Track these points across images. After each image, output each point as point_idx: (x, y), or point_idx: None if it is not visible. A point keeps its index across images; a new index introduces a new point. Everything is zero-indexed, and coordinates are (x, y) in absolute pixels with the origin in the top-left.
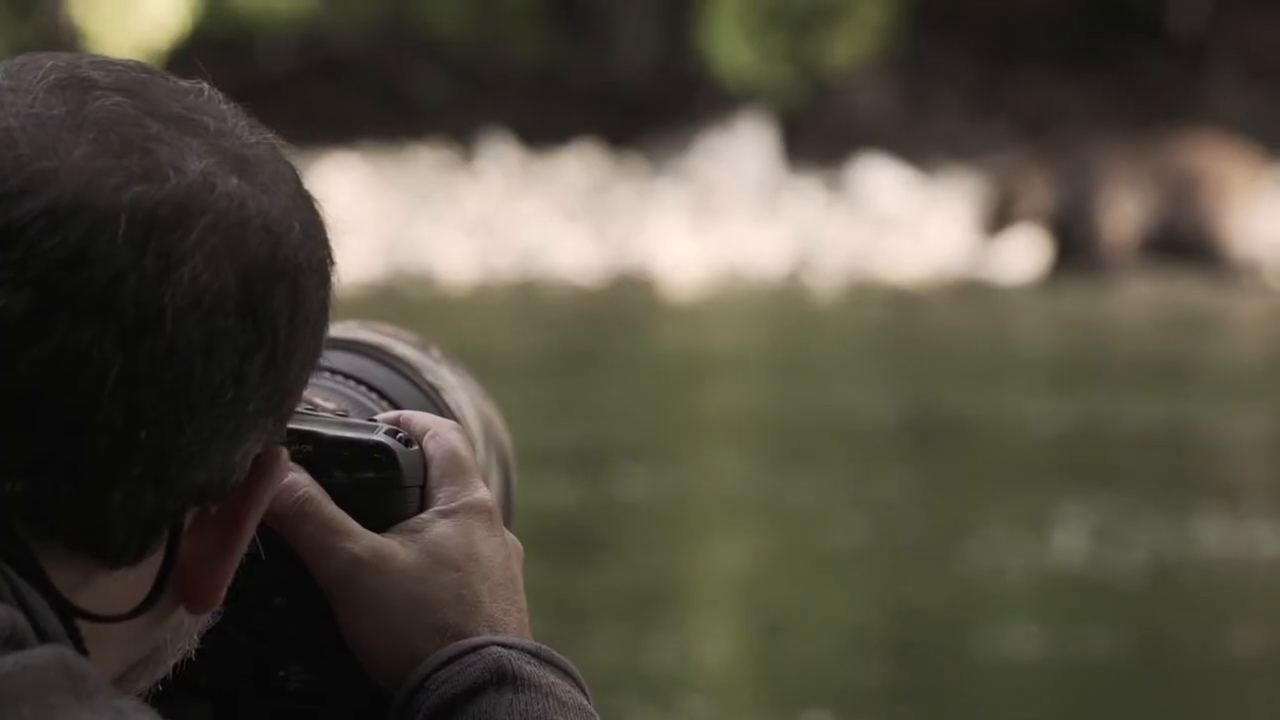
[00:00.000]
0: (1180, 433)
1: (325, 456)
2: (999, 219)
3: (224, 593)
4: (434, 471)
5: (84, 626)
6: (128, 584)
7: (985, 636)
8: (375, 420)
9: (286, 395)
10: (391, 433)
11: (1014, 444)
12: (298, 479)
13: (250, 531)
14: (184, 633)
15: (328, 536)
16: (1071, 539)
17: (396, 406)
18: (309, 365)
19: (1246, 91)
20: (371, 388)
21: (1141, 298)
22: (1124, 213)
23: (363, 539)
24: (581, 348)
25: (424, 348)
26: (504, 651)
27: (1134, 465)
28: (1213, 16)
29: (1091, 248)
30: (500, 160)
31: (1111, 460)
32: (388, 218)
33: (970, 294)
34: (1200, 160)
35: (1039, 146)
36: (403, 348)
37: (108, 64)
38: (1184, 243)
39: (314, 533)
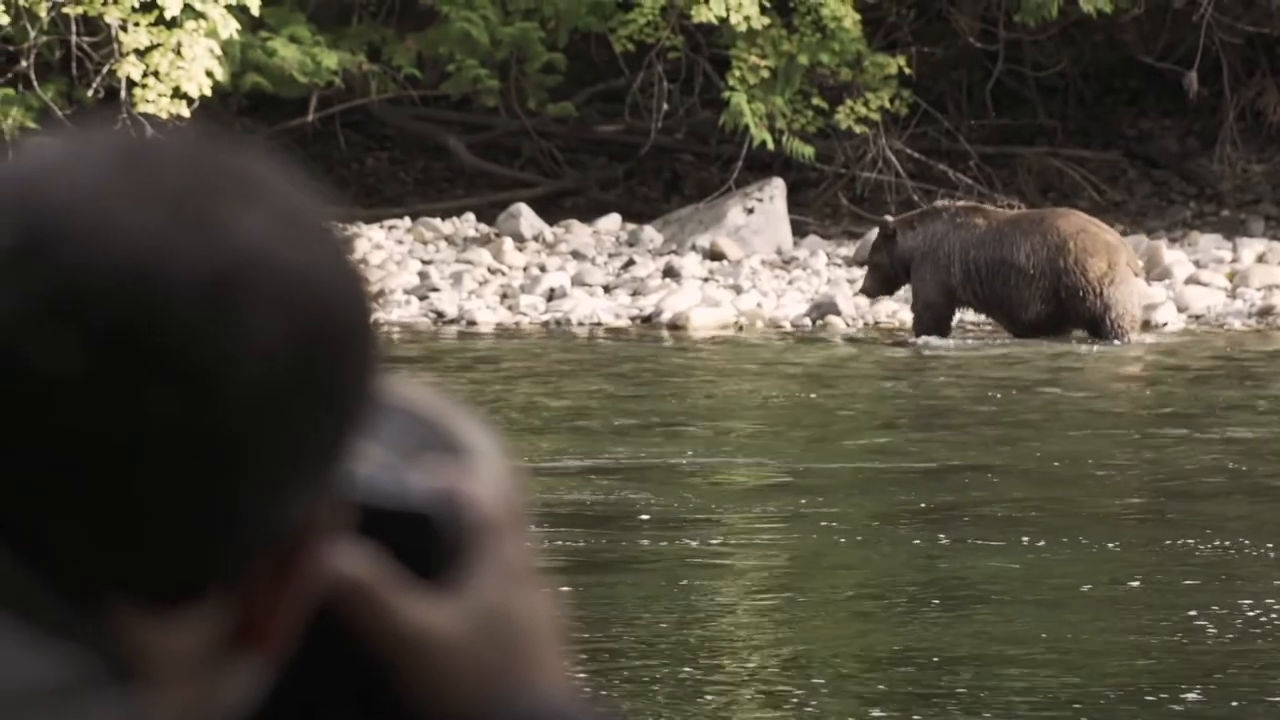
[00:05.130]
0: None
1: (368, 522)
2: (876, 281)
3: (283, 642)
4: (474, 530)
5: (145, 669)
6: (188, 629)
7: (1007, 678)
8: (412, 478)
9: (339, 453)
10: (430, 493)
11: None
12: (348, 548)
13: (308, 583)
14: (241, 684)
15: (380, 605)
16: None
17: (427, 463)
18: (361, 424)
19: (1259, 157)
20: (402, 444)
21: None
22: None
23: (413, 605)
24: (605, 400)
25: (447, 404)
26: (559, 709)
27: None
28: (1227, 84)
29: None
30: (525, 227)
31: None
32: (412, 283)
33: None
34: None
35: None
36: (427, 404)
37: (166, 129)
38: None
39: (367, 600)
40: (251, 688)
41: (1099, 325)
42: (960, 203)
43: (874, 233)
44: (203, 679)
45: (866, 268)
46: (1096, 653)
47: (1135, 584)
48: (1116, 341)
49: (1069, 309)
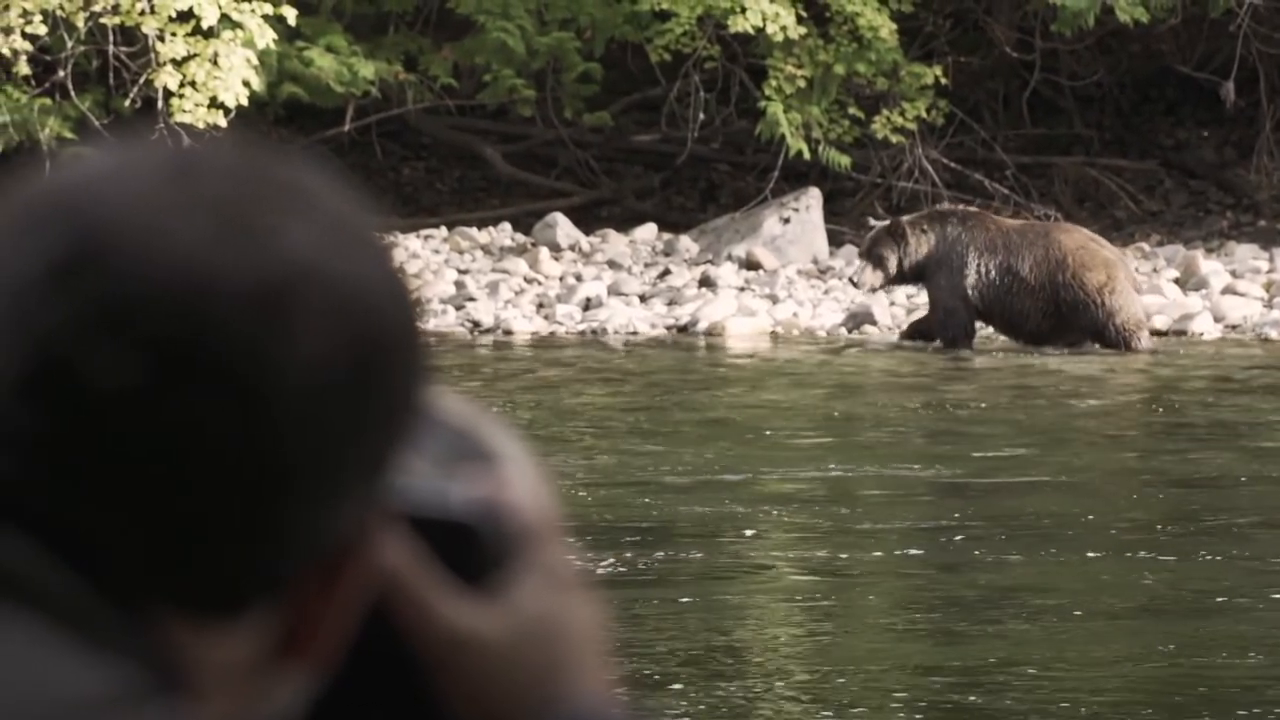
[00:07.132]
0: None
1: (411, 533)
2: (876, 275)
3: (330, 653)
4: (517, 538)
5: (192, 680)
6: (235, 640)
7: (1042, 690)
8: (453, 488)
9: (388, 463)
10: (472, 503)
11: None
12: (395, 553)
13: (354, 592)
14: (287, 694)
15: (424, 611)
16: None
17: (467, 472)
18: (408, 434)
19: None
20: (438, 454)
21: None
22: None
23: (456, 613)
24: (642, 410)
25: (477, 412)
26: (601, 715)
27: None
28: (1264, 94)
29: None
30: (561, 236)
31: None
32: (448, 292)
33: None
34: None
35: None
36: (458, 413)
37: (212, 140)
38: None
39: (411, 607)
40: (298, 698)
41: (1104, 333)
42: (961, 207)
43: (879, 228)
44: (249, 690)
45: (866, 261)
46: (1133, 667)
47: (1173, 597)
48: (1125, 348)
49: (1072, 322)
